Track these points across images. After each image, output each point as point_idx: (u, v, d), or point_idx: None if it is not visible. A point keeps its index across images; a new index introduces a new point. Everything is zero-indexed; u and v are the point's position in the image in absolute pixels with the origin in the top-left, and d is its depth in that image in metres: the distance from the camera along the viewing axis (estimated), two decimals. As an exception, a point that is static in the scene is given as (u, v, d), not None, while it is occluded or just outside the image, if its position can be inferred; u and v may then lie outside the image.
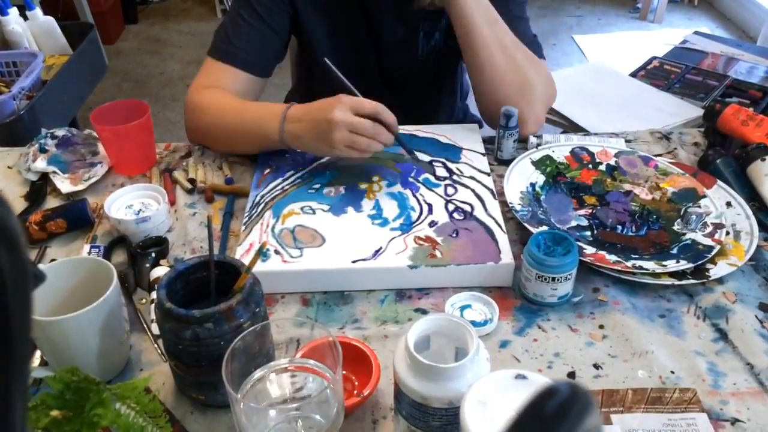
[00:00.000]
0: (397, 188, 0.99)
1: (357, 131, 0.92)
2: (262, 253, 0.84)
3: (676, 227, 0.95)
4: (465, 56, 1.10)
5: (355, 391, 0.72)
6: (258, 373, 0.64)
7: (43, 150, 1.09)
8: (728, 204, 0.98)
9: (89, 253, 0.91)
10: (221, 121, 1.06)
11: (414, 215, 0.94)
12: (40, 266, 0.86)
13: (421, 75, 1.26)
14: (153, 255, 0.91)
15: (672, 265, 0.87)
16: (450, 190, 0.99)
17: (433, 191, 0.99)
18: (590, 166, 1.06)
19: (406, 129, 1.12)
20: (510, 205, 0.95)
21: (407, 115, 1.08)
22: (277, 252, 0.88)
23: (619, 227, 0.96)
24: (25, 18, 1.94)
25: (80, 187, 1.04)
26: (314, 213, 0.94)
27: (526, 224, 0.91)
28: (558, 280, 0.81)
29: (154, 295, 0.84)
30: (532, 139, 1.11)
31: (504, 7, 1.10)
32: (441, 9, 1.10)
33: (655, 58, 1.92)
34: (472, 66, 1.10)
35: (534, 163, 1.04)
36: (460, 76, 1.36)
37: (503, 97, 1.08)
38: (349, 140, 0.93)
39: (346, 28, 1.17)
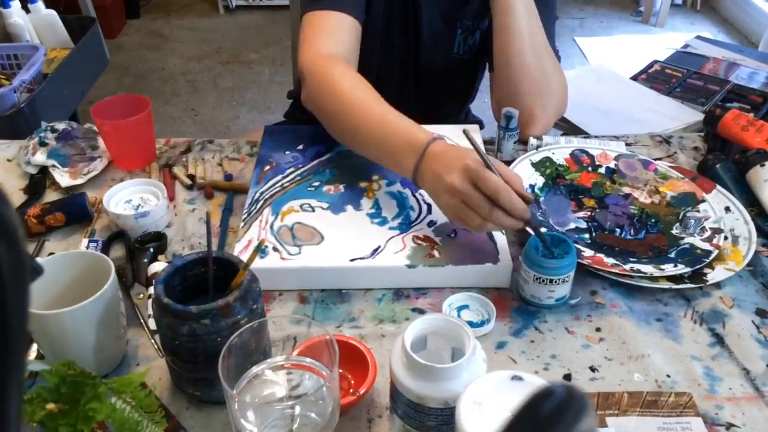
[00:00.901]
0: (397, 187, 0.99)
1: (470, 206, 0.80)
2: (260, 251, 0.84)
3: (674, 231, 0.95)
4: (496, 43, 1.08)
5: (351, 390, 0.72)
6: (254, 370, 0.64)
7: (42, 143, 1.08)
8: (727, 209, 0.98)
9: (87, 247, 0.91)
10: (351, 120, 0.95)
11: (413, 215, 0.94)
12: (38, 259, 0.86)
13: (452, 74, 1.25)
14: (151, 250, 0.91)
15: (670, 269, 0.87)
16: (449, 191, 0.99)
17: (432, 191, 0.98)
18: (590, 168, 1.06)
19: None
20: (509, 206, 0.95)
21: (425, 113, 1.08)
22: (275, 249, 0.87)
23: (618, 230, 0.96)
24: (27, 11, 1.94)
25: (79, 181, 1.04)
26: (313, 211, 0.94)
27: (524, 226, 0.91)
28: (556, 282, 0.81)
29: (151, 290, 0.84)
30: (532, 141, 1.11)
31: (541, 6, 1.09)
32: (484, 9, 1.10)
33: (656, 61, 1.92)
34: (501, 54, 1.08)
35: (534, 164, 1.04)
36: (478, 81, 1.36)
37: (523, 93, 1.07)
38: (460, 212, 0.81)
39: (388, 17, 1.16)
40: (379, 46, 1.17)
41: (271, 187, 0.99)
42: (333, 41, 1.03)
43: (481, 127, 1.23)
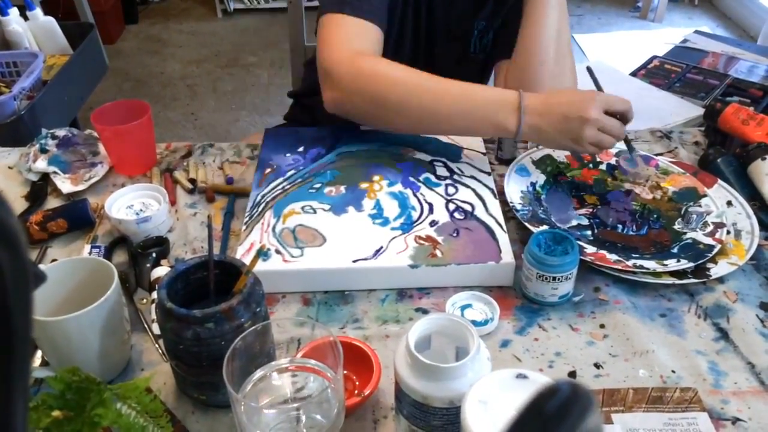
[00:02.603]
0: (398, 188, 0.99)
1: (605, 130, 0.92)
2: (262, 254, 0.84)
3: (676, 226, 0.95)
4: (522, 34, 1.07)
5: (356, 391, 0.72)
6: (259, 373, 0.64)
7: (43, 150, 1.09)
8: (729, 203, 0.98)
9: (90, 253, 0.91)
10: (427, 98, 0.96)
11: (415, 215, 0.94)
12: (41, 266, 0.86)
13: (465, 72, 1.24)
14: (154, 255, 0.91)
15: (673, 264, 0.87)
16: (451, 190, 0.99)
17: (433, 191, 0.99)
18: (591, 165, 1.06)
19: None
20: (511, 204, 0.95)
21: None
22: (278, 251, 0.88)
23: (620, 226, 0.96)
24: (26, 18, 1.94)
25: (81, 188, 1.04)
26: (315, 212, 0.94)
27: (526, 224, 0.91)
28: (559, 279, 0.81)
29: (154, 295, 0.84)
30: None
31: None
32: (499, 7, 1.11)
33: (655, 57, 1.92)
34: (525, 46, 1.07)
35: (534, 162, 1.04)
36: (487, 80, 1.34)
37: (536, 89, 1.04)
38: (597, 139, 0.92)
39: (405, 11, 1.15)
40: (390, 48, 1.15)
41: (272, 189, 0.99)
42: (362, 43, 1.02)
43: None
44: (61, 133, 1.13)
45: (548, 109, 0.93)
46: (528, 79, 1.07)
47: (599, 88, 1.00)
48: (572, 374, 0.77)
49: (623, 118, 0.95)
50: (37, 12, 1.96)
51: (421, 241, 0.89)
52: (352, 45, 1.00)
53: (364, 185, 1.00)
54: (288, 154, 1.07)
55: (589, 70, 1.02)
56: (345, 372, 0.73)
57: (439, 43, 1.19)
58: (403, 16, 1.15)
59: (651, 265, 0.86)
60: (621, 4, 3.94)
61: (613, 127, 0.93)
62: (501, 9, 1.14)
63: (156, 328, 0.81)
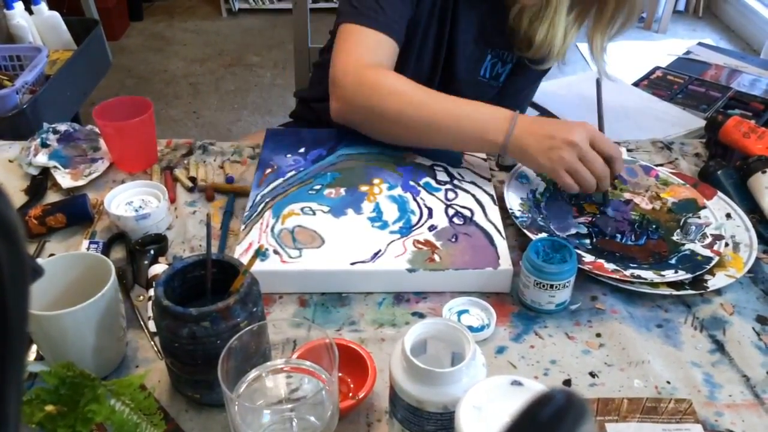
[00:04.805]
0: (398, 191, 0.99)
1: (585, 161, 0.90)
2: (260, 254, 0.84)
3: (675, 237, 0.95)
4: None
5: (351, 394, 0.72)
6: (254, 373, 0.64)
7: (44, 144, 1.09)
8: (728, 215, 0.98)
9: (88, 248, 0.91)
10: (424, 113, 0.98)
11: (414, 219, 0.94)
12: (39, 260, 0.86)
13: (480, 97, 1.22)
14: (152, 252, 0.91)
15: (670, 275, 0.87)
16: (450, 195, 0.99)
17: (433, 195, 0.99)
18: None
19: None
20: (510, 211, 0.95)
21: None
22: (276, 252, 0.87)
23: (619, 236, 0.96)
24: (30, 12, 1.94)
25: (81, 183, 1.04)
26: (314, 214, 0.94)
27: (525, 231, 0.91)
28: (556, 287, 0.81)
29: (151, 292, 0.84)
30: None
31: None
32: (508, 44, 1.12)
33: (658, 68, 1.92)
34: None
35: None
36: None
37: None
38: (574, 166, 0.90)
39: (424, 34, 1.14)
40: (411, 59, 1.15)
41: (272, 190, 0.99)
42: (374, 56, 1.03)
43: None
44: (62, 127, 1.13)
45: (538, 128, 0.93)
46: None
47: (599, 103, 0.99)
48: (567, 382, 0.77)
49: (610, 164, 0.92)
50: (42, 7, 1.96)
51: (420, 246, 0.89)
52: (363, 57, 1.02)
53: (364, 188, 1.00)
54: (289, 155, 1.07)
55: (597, 83, 1.02)
56: (340, 374, 0.72)
57: (458, 62, 1.18)
58: (427, 28, 1.13)
59: (648, 275, 0.87)
60: (625, 14, 3.94)
61: (594, 160, 0.90)
62: (507, 49, 1.13)
63: (152, 326, 0.81)
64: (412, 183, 1.01)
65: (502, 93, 1.24)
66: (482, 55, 1.18)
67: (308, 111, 1.37)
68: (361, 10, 1.03)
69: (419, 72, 1.17)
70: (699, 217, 0.96)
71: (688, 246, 0.93)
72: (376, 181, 1.01)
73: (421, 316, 0.84)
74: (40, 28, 1.96)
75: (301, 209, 0.95)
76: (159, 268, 0.87)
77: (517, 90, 1.23)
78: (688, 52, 2.03)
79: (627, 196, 1.03)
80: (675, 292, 0.86)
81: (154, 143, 1.11)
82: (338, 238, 0.90)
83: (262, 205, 0.96)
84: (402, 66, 1.09)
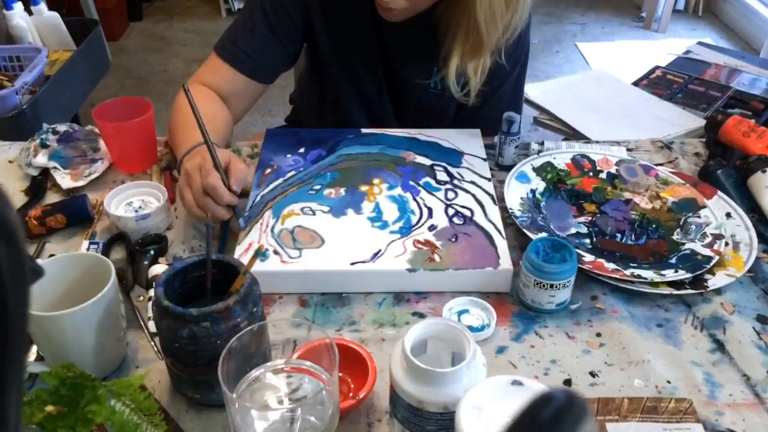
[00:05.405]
0: (398, 191, 0.99)
1: (188, 183, 0.90)
2: (260, 254, 0.84)
3: (675, 237, 0.95)
4: None
5: (351, 394, 0.72)
6: (254, 373, 0.64)
7: (44, 145, 1.09)
8: (728, 215, 0.98)
9: (88, 249, 0.91)
10: (173, 116, 1.10)
11: (414, 219, 0.94)
12: (39, 261, 0.86)
13: (433, 107, 1.21)
14: (152, 252, 0.91)
15: (670, 274, 0.87)
16: (450, 195, 0.99)
17: (433, 195, 0.99)
18: (591, 173, 1.06)
19: (408, 132, 1.12)
20: (510, 210, 0.95)
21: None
22: (276, 252, 0.87)
23: (619, 235, 0.96)
24: (30, 13, 1.94)
25: (80, 183, 1.04)
26: (314, 214, 0.94)
27: (525, 230, 0.91)
28: (556, 287, 0.81)
29: (151, 292, 0.84)
30: (534, 146, 1.11)
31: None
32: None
33: (658, 67, 1.92)
34: None
35: (535, 169, 1.04)
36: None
37: None
38: (181, 189, 0.91)
39: (360, 52, 1.14)
40: (345, 81, 1.18)
41: (272, 190, 0.99)
42: (209, 77, 1.13)
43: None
44: (62, 128, 1.13)
45: (188, 161, 0.95)
46: None
47: (208, 148, 0.91)
48: (567, 382, 0.77)
49: (244, 191, 0.94)
50: (42, 7, 1.96)
51: (420, 246, 0.89)
52: (209, 82, 1.13)
53: (364, 188, 1.00)
54: (289, 155, 1.07)
55: (185, 89, 0.99)
56: (340, 374, 0.72)
57: (401, 77, 1.16)
58: (366, 49, 1.13)
59: (649, 274, 0.87)
60: (625, 14, 3.95)
61: (193, 184, 0.89)
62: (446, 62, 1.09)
63: (152, 326, 0.81)
64: (412, 183, 1.01)
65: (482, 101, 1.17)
66: (428, 68, 1.13)
67: (300, 116, 1.39)
68: (222, 40, 1.13)
69: (366, 86, 1.18)
70: (699, 217, 0.96)
71: (688, 245, 0.93)
72: (376, 181, 1.01)
73: (422, 316, 0.84)
74: (40, 29, 1.96)
75: (301, 209, 0.95)
76: (159, 269, 0.87)
77: (487, 97, 1.15)
78: (687, 52, 2.03)
79: (627, 195, 1.03)
80: (675, 292, 0.86)
81: (153, 144, 1.11)
82: (338, 238, 0.90)
83: (262, 206, 0.96)
84: (342, 86, 1.17)
